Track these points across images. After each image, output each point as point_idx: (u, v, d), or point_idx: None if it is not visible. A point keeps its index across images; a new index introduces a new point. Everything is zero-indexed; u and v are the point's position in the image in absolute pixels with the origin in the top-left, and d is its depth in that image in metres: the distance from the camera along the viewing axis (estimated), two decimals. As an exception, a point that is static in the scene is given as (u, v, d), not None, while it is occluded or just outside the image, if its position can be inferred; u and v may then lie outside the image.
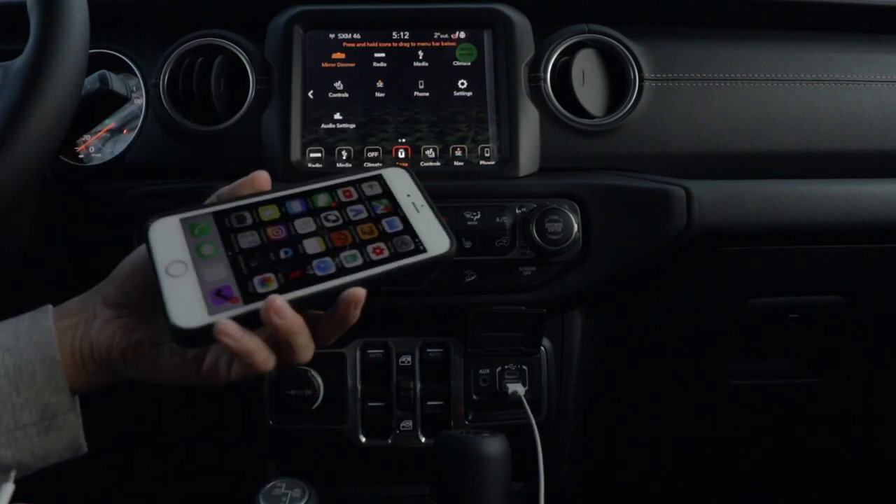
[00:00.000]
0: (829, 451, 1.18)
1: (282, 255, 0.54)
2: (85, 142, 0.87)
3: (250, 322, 0.50)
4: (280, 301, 0.50)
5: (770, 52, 0.92)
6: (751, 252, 0.88)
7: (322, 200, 0.58)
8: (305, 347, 0.53)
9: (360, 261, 0.55)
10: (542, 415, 0.89)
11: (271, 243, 0.54)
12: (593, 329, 0.94)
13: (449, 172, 0.83)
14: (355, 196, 0.59)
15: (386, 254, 0.56)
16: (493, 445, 0.74)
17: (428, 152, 0.84)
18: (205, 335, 0.49)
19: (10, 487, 0.52)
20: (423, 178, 0.81)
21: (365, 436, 0.87)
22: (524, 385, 0.86)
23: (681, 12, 0.94)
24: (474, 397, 0.86)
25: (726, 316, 0.95)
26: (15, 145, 0.60)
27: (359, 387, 0.86)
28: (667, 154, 0.88)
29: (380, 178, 0.61)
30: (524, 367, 0.87)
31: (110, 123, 0.87)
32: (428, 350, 0.87)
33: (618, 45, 0.89)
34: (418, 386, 0.86)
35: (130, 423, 1.04)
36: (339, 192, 0.59)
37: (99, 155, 0.86)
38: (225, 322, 0.49)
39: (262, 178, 0.58)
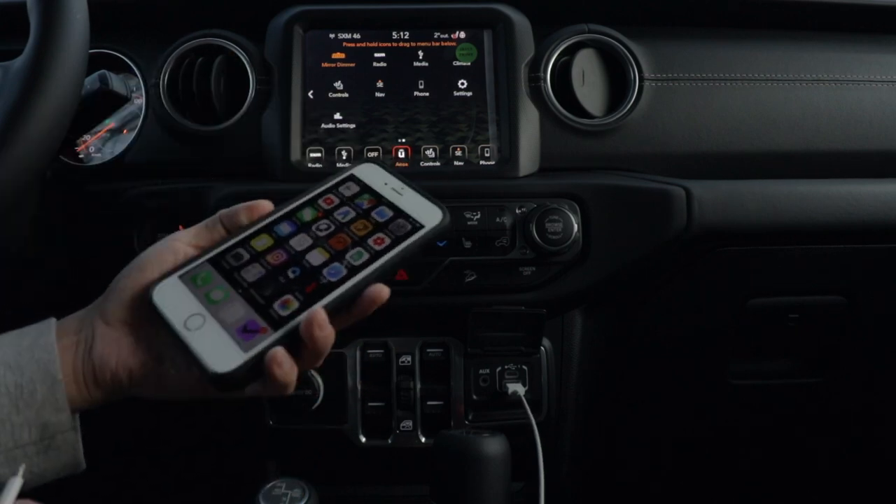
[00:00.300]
0: (829, 451, 1.18)
1: (290, 275, 0.54)
2: (85, 142, 0.87)
3: (286, 345, 0.51)
4: (322, 313, 0.51)
5: (770, 52, 0.92)
6: (751, 252, 0.88)
7: (308, 215, 0.59)
8: (326, 353, 0.54)
9: (366, 255, 0.56)
10: (542, 415, 0.89)
11: (276, 269, 0.55)
12: (593, 329, 0.94)
13: (449, 172, 0.83)
14: (337, 201, 0.60)
15: (388, 241, 0.57)
16: (493, 445, 0.74)
17: (428, 152, 0.84)
18: (248, 373, 0.50)
19: (17, 482, 0.52)
20: (423, 178, 0.82)
21: (365, 436, 0.87)
22: (524, 385, 0.86)
23: (681, 12, 0.94)
24: (474, 397, 0.86)
25: (726, 316, 0.95)
26: (15, 145, 0.60)
27: (359, 387, 0.86)
28: (667, 154, 0.88)
29: (353, 178, 0.62)
30: (524, 367, 0.87)
31: (110, 123, 0.87)
32: (428, 350, 0.87)
33: (618, 45, 0.89)
34: (418, 386, 0.86)
35: (131, 424, 1.04)
36: (321, 202, 0.60)
37: (99, 155, 0.86)
38: (275, 351, 0.50)
39: (265, 206, 0.59)
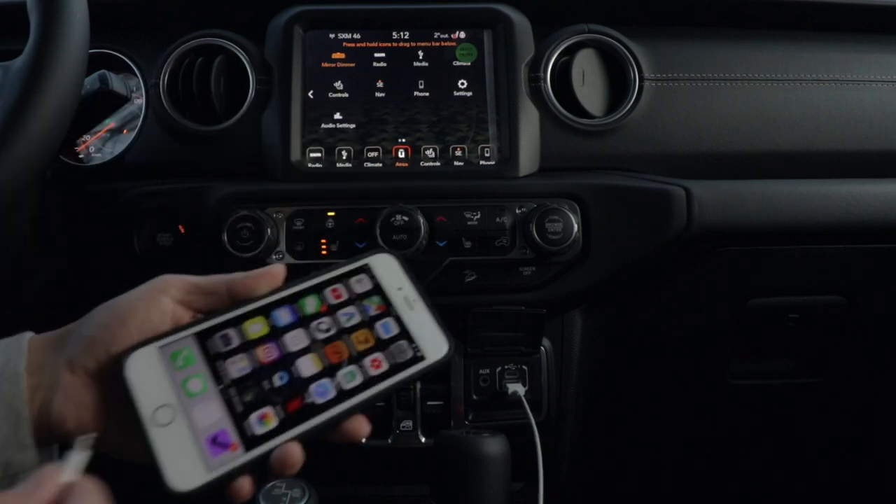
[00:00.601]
0: (829, 451, 1.18)
1: (276, 381, 0.49)
2: (85, 142, 0.87)
3: (251, 468, 0.47)
4: (297, 451, 0.47)
5: (770, 52, 0.92)
6: (751, 252, 0.88)
7: (311, 305, 0.53)
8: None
9: (359, 379, 0.51)
10: (542, 415, 0.89)
11: (263, 368, 0.50)
12: (593, 329, 0.94)
13: (449, 172, 0.83)
14: (345, 296, 0.55)
15: (384, 366, 0.52)
16: (493, 445, 0.74)
17: (428, 152, 0.84)
18: (207, 491, 0.45)
19: (84, 455, 0.46)
20: (423, 179, 0.82)
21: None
22: (524, 385, 0.86)
23: (681, 12, 0.94)
24: (474, 397, 0.86)
25: (726, 316, 0.95)
26: (15, 145, 0.60)
27: (359, 387, 0.86)
28: (667, 154, 0.88)
29: (367, 270, 0.56)
30: (524, 367, 0.87)
31: (110, 123, 0.87)
32: (428, 350, 0.86)
33: (618, 45, 0.89)
34: (418, 386, 0.86)
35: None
36: (328, 292, 0.54)
37: (99, 155, 0.86)
38: (242, 481, 0.45)
39: (280, 273, 0.54)
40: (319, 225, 0.79)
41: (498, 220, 0.80)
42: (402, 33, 0.87)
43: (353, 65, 0.86)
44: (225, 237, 0.76)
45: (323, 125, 0.84)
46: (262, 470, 0.47)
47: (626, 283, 0.87)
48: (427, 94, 0.86)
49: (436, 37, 0.87)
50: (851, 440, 1.16)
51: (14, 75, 0.63)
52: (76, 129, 0.86)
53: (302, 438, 0.48)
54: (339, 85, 0.85)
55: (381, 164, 0.83)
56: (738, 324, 0.96)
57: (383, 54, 0.86)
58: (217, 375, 0.49)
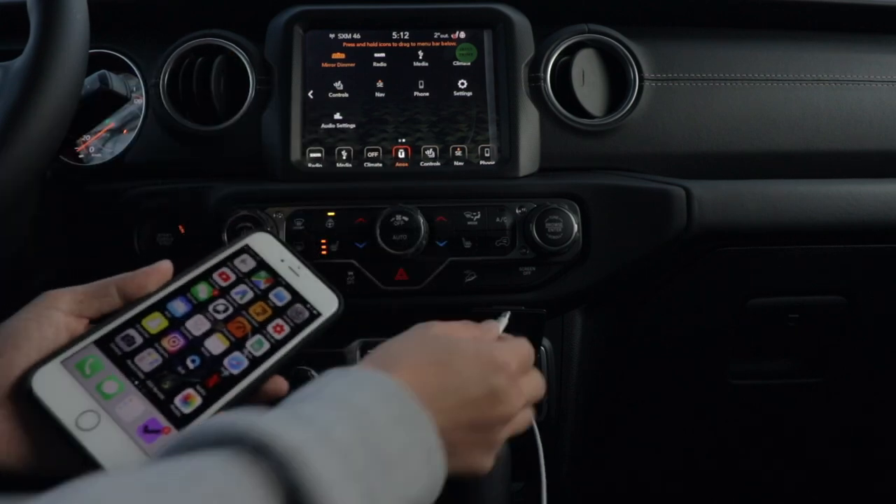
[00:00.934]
0: (829, 451, 1.18)
1: (190, 365, 0.51)
2: (85, 142, 0.87)
3: None
4: None
5: (770, 52, 0.92)
6: (751, 252, 0.88)
7: (203, 292, 0.56)
8: None
9: (266, 345, 0.54)
10: (542, 415, 0.89)
11: (173, 357, 0.51)
12: (593, 329, 0.94)
13: (449, 172, 0.83)
14: (233, 277, 0.58)
15: (287, 330, 0.56)
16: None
17: (428, 152, 0.84)
18: None
19: (504, 320, 0.68)
20: (423, 179, 0.82)
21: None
22: (524, 385, 0.86)
23: (681, 12, 0.94)
24: (474, 397, 0.86)
25: (726, 316, 0.95)
26: (15, 145, 0.60)
27: (359, 387, 0.86)
28: (667, 154, 0.88)
29: (248, 249, 0.60)
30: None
31: (110, 123, 0.87)
32: (428, 350, 0.86)
33: (618, 45, 0.89)
34: (418, 386, 0.86)
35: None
36: (216, 276, 0.57)
37: (99, 155, 0.86)
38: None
39: (167, 269, 0.55)
40: (319, 225, 0.79)
41: (498, 220, 0.80)
42: (402, 33, 0.87)
43: (353, 65, 0.86)
44: (225, 237, 0.76)
45: (323, 125, 0.84)
46: None
47: (626, 283, 0.87)
48: (427, 94, 0.85)
49: (436, 37, 0.87)
50: (851, 440, 1.16)
51: (14, 75, 0.63)
52: (76, 129, 0.85)
53: (229, 407, 0.51)
54: (339, 85, 0.85)
55: (381, 164, 0.83)
56: (738, 324, 0.96)
57: (383, 54, 0.86)
58: (130, 373, 0.50)
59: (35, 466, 0.48)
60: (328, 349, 0.85)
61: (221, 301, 0.56)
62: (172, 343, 0.52)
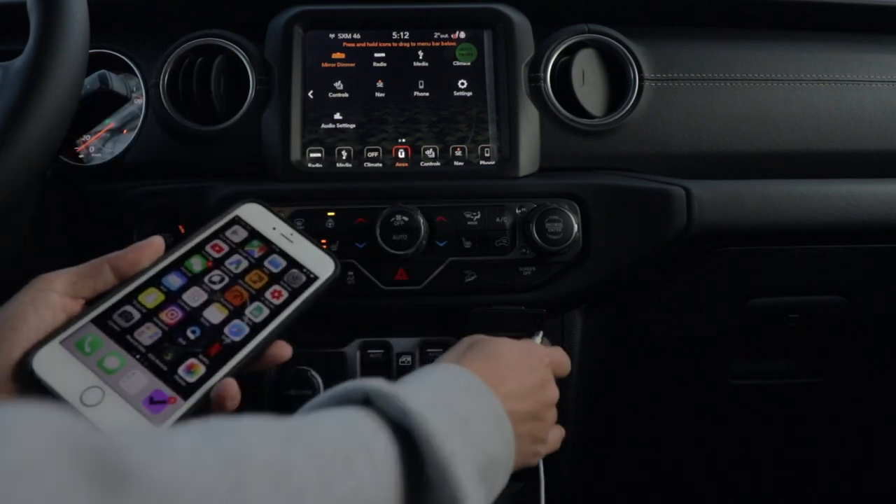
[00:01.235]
0: (829, 451, 1.18)
1: (190, 336, 0.52)
2: (85, 142, 0.87)
3: (196, 412, 0.49)
4: (234, 385, 0.50)
5: (770, 52, 0.92)
6: (751, 252, 0.88)
7: (197, 264, 0.56)
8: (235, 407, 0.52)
9: (266, 311, 0.55)
10: (542, 415, 0.88)
11: (173, 329, 0.52)
12: (593, 329, 0.94)
13: (449, 172, 0.83)
14: (226, 248, 0.58)
15: (285, 295, 0.56)
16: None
17: (428, 152, 0.84)
18: None
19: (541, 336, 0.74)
20: (423, 179, 0.82)
21: (365, 436, 0.87)
22: (524, 385, 0.86)
23: (681, 12, 0.94)
24: (474, 397, 0.86)
25: (726, 316, 0.95)
26: (15, 145, 0.60)
27: (359, 387, 0.86)
28: (667, 154, 0.88)
29: (239, 220, 0.60)
30: (524, 367, 0.86)
31: (110, 123, 0.87)
32: (428, 350, 0.86)
33: (618, 45, 0.89)
34: (418, 386, 0.86)
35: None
36: (209, 249, 0.57)
37: (99, 155, 0.86)
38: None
39: (158, 245, 0.55)
40: (319, 225, 0.79)
41: (498, 220, 0.80)
42: (402, 33, 0.87)
43: (353, 65, 0.86)
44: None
45: (323, 125, 0.84)
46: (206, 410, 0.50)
47: (626, 283, 0.87)
48: (427, 94, 0.85)
49: (436, 37, 0.87)
50: (851, 440, 1.16)
51: (14, 75, 0.63)
52: (76, 129, 0.85)
53: (233, 374, 0.51)
54: (339, 85, 0.85)
55: (381, 164, 0.83)
56: (738, 324, 0.96)
57: (383, 54, 0.86)
58: (130, 348, 0.50)
59: None
60: (328, 349, 0.85)
61: (216, 272, 0.56)
62: (171, 316, 0.52)
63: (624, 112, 0.87)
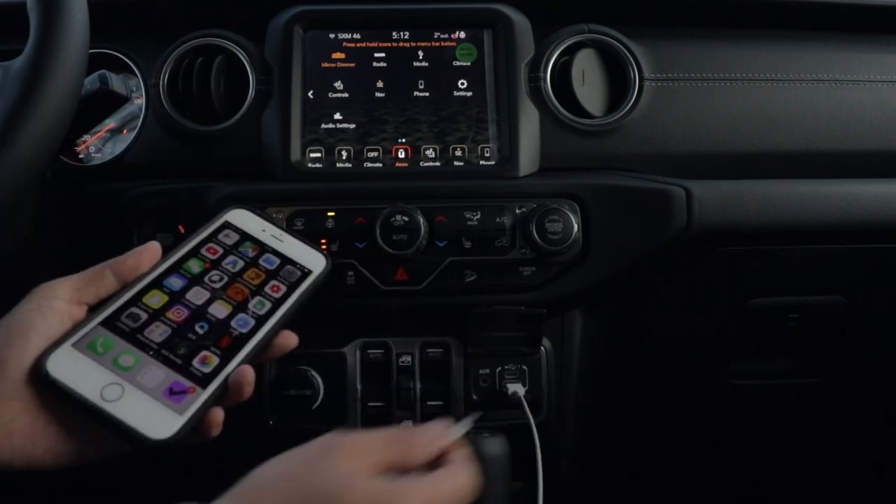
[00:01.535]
0: (829, 451, 1.18)
1: (199, 331, 0.54)
2: (85, 142, 0.87)
3: (216, 400, 0.51)
4: (251, 370, 0.51)
5: (770, 52, 0.92)
6: (751, 252, 0.88)
7: (195, 266, 0.58)
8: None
9: (268, 304, 0.57)
10: (542, 415, 0.88)
11: (181, 326, 0.54)
12: (593, 329, 0.94)
13: (449, 172, 0.83)
14: (221, 250, 0.60)
15: (284, 289, 0.59)
16: (493, 445, 0.73)
17: (428, 152, 0.84)
18: (189, 432, 0.48)
19: (469, 426, 0.53)
20: (423, 178, 0.82)
21: (365, 436, 0.87)
22: (524, 385, 0.86)
23: (681, 12, 0.94)
24: (474, 397, 0.86)
25: (726, 316, 0.95)
26: (15, 145, 0.60)
27: (359, 387, 0.86)
28: (667, 154, 0.88)
29: (229, 225, 0.63)
30: (524, 367, 0.87)
31: (110, 123, 0.87)
32: (428, 350, 0.87)
33: (618, 45, 0.89)
34: (418, 386, 0.86)
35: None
36: (204, 251, 0.60)
37: (99, 155, 0.86)
38: (215, 411, 0.50)
39: (156, 250, 0.57)
40: (319, 225, 0.79)
41: (498, 220, 0.80)
42: (402, 33, 0.87)
43: (353, 65, 0.86)
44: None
45: (323, 125, 0.84)
46: (222, 398, 0.52)
47: (626, 283, 0.87)
48: (427, 94, 0.85)
49: (436, 37, 0.87)
50: (851, 440, 1.16)
51: (14, 75, 0.63)
52: (76, 129, 0.85)
53: (246, 362, 0.53)
54: (339, 85, 0.85)
55: (381, 164, 0.83)
56: (738, 324, 0.95)
57: (383, 54, 0.86)
58: (142, 345, 0.52)
59: (64, 456, 0.49)
60: (328, 349, 0.85)
61: (215, 272, 0.58)
62: (177, 314, 0.54)
63: (624, 112, 0.87)
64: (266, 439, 0.90)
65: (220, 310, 0.55)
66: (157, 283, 0.56)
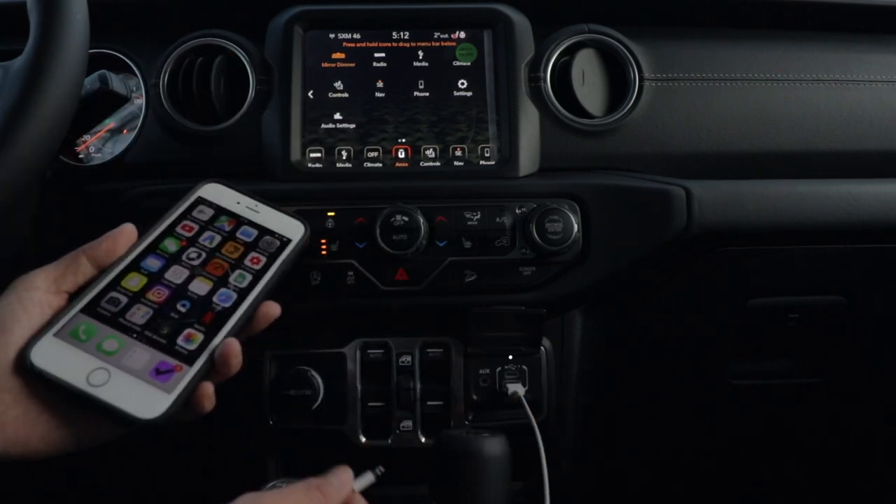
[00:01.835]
0: (829, 451, 1.18)
1: (182, 309, 0.54)
2: (85, 142, 0.87)
3: (203, 376, 0.51)
4: (236, 343, 0.51)
5: (770, 52, 0.92)
6: (751, 252, 0.88)
7: (172, 245, 0.58)
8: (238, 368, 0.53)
9: (249, 276, 0.57)
10: (542, 415, 0.88)
11: (163, 306, 0.54)
12: (593, 329, 0.94)
13: (449, 172, 0.83)
14: (196, 227, 0.60)
15: (264, 259, 0.58)
16: (493, 445, 0.73)
17: (428, 152, 0.84)
18: (178, 410, 0.49)
19: (371, 479, 0.60)
20: (423, 179, 0.82)
21: (365, 436, 0.87)
22: (524, 385, 0.86)
23: (681, 12, 0.94)
24: (474, 397, 0.86)
25: (726, 316, 0.95)
26: (15, 145, 0.60)
27: (359, 387, 0.86)
28: (667, 154, 0.88)
29: (202, 201, 0.62)
30: (524, 367, 0.87)
31: (110, 123, 0.87)
32: (428, 350, 0.86)
33: (618, 45, 0.89)
34: (418, 386, 0.86)
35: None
36: (180, 230, 0.59)
37: (99, 155, 0.86)
38: (205, 385, 0.50)
39: (130, 232, 0.57)
40: (319, 225, 0.79)
41: (498, 220, 0.80)
42: (402, 33, 0.87)
43: (353, 65, 0.86)
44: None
45: (323, 125, 0.84)
46: (211, 373, 0.52)
47: (626, 283, 0.87)
48: (427, 94, 0.86)
49: (436, 37, 0.87)
50: (851, 440, 1.16)
51: (14, 75, 0.63)
52: (76, 129, 0.85)
53: (231, 336, 0.53)
54: (339, 85, 0.85)
55: (381, 164, 0.83)
56: (738, 324, 0.95)
57: (383, 54, 0.86)
58: (125, 329, 0.52)
59: (59, 443, 0.50)
60: (328, 349, 0.85)
61: (192, 249, 0.58)
62: (158, 295, 0.54)
63: (624, 112, 0.87)
64: (266, 439, 0.90)
65: (200, 286, 0.55)
66: (135, 266, 0.56)
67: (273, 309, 0.57)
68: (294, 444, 0.90)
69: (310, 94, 0.85)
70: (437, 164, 0.84)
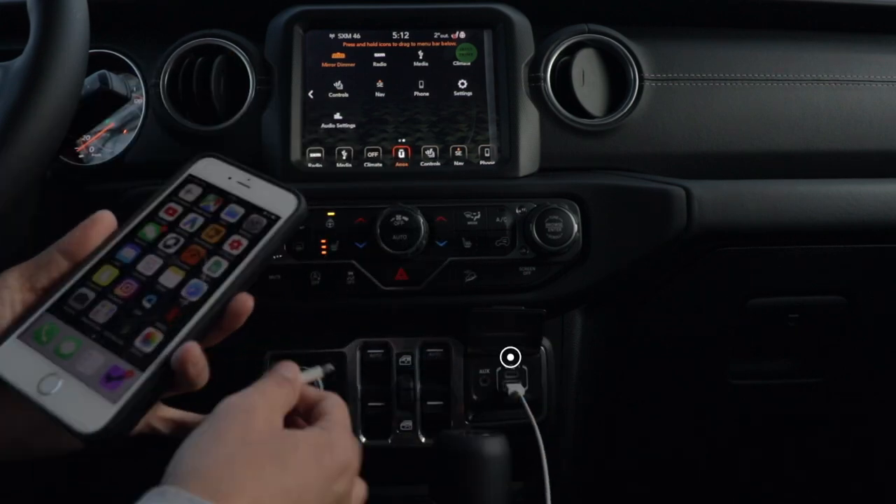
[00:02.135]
0: (829, 451, 1.18)
1: (146, 304, 0.49)
2: (85, 142, 0.87)
3: (158, 384, 0.47)
4: (195, 348, 0.46)
5: (770, 52, 0.92)
6: (751, 252, 0.88)
7: (151, 232, 0.53)
8: (204, 376, 0.48)
9: (225, 264, 0.51)
10: (542, 415, 0.88)
11: (128, 302, 0.49)
12: (593, 329, 0.94)
13: (449, 172, 0.83)
14: (180, 209, 0.55)
15: (245, 243, 0.52)
16: (493, 445, 0.74)
17: (428, 152, 0.84)
18: (124, 423, 0.45)
19: (322, 372, 0.61)
20: (423, 179, 0.82)
21: (365, 436, 0.87)
22: (524, 385, 0.86)
23: (681, 12, 0.94)
24: (474, 397, 0.86)
25: (726, 316, 0.95)
26: (15, 145, 0.60)
27: (359, 387, 0.86)
28: (667, 154, 0.88)
29: (193, 178, 0.57)
30: (524, 367, 0.87)
31: (110, 123, 0.87)
32: (428, 350, 0.87)
33: (618, 45, 0.89)
34: (418, 386, 0.86)
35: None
36: (162, 213, 0.55)
37: (99, 155, 0.86)
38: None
39: (106, 219, 0.53)
40: (319, 225, 0.79)
41: (498, 220, 0.80)
42: (402, 33, 0.87)
43: (353, 65, 0.86)
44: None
45: (323, 125, 0.84)
46: (171, 380, 0.48)
47: (626, 283, 0.87)
48: (427, 94, 0.86)
49: (436, 37, 0.87)
50: (851, 440, 1.16)
51: (14, 75, 0.63)
52: (76, 129, 0.85)
53: (194, 335, 0.48)
54: (339, 85, 0.85)
55: (381, 164, 0.83)
56: (738, 324, 0.95)
57: (383, 54, 0.86)
58: (86, 329, 0.48)
59: (36, 449, 0.49)
60: (328, 349, 0.85)
61: (171, 235, 0.53)
62: (126, 289, 0.50)
63: (624, 112, 0.87)
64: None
65: (171, 278, 0.50)
66: (110, 258, 0.52)
67: (246, 304, 0.50)
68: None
69: (310, 94, 0.85)
70: (437, 164, 0.84)
